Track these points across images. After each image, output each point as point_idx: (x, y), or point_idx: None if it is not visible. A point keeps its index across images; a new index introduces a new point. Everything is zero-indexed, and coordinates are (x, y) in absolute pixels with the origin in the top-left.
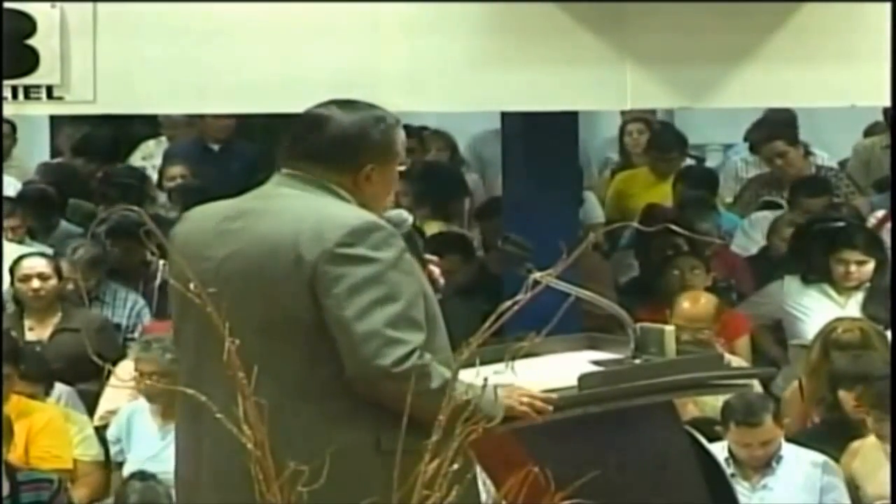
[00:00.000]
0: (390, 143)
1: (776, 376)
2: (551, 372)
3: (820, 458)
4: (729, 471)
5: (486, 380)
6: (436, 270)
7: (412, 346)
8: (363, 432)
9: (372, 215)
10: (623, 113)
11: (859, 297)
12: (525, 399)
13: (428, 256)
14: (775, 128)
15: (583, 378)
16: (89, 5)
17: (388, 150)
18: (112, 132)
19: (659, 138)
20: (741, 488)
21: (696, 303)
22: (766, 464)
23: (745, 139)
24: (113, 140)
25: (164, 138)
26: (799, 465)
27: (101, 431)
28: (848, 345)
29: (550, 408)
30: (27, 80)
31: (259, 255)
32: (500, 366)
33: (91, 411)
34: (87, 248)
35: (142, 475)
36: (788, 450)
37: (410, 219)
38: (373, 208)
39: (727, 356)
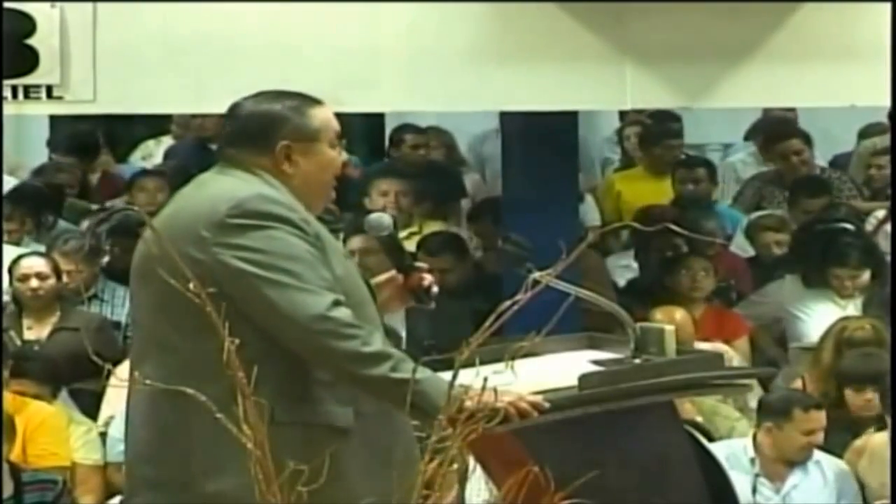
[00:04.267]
0: (304, 119)
1: (776, 376)
2: (551, 372)
3: (833, 458)
4: (754, 471)
5: (485, 379)
6: (428, 278)
7: (332, 297)
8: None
9: (260, 187)
10: (622, 116)
11: (858, 302)
12: (508, 398)
13: (418, 264)
14: (789, 125)
15: (583, 378)
16: (89, 5)
17: (304, 127)
18: (102, 130)
19: (654, 126)
20: (766, 490)
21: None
22: (801, 461)
23: (748, 138)
24: (99, 137)
25: (164, 138)
26: (818, 465)
27: (104, 436)
28: (862, 342)
29: (535, 413)
30: (27, 80)
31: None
32: (499, 366)
33: (89, 411)
34: (79, 239)
35: None
36: None
37: (391, 222)
38: (312, 194)
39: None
